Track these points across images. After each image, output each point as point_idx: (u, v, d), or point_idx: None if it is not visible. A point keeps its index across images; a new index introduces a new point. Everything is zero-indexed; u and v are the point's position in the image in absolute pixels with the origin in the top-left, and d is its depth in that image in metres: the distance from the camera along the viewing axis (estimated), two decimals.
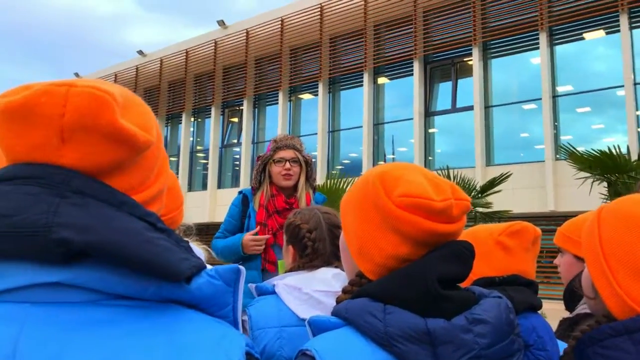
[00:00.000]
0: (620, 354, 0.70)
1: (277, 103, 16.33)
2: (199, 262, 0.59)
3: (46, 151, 0.56)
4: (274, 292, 1.52)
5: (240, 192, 2.68)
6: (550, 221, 11.94)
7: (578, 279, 1.67)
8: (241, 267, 0.62)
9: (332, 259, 1.55)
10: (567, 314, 1.76)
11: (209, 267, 0.62)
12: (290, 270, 1.58)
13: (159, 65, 19.70)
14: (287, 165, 2.56)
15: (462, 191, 0.94)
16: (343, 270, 1.01)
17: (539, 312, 1.40)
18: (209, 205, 16.77)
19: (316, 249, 1.57)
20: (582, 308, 1.57)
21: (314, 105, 15.62)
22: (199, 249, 1.50)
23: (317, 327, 0.87)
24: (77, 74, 24.03)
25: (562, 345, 1.36)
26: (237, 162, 17.54)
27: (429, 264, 0.85)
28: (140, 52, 21.11)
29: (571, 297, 1.72)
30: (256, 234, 2.47)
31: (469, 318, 0.83)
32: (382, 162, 14.58)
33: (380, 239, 0.88)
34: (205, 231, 13.34)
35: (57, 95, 0.55)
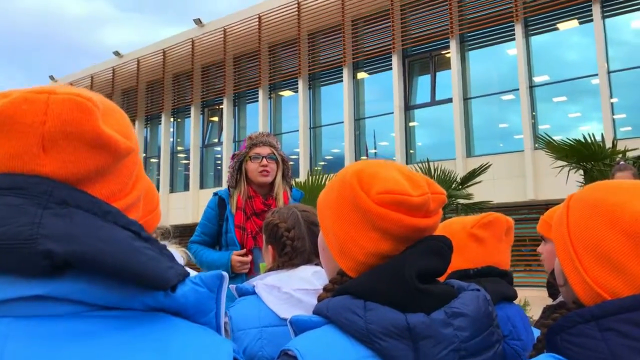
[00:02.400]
0: (587, 341, 0.70)
1: (257, 101, 16.26)
2: (183, 270, 0.59)
3: (25, 160, 0.55)
4: (254, 293, 1.51)
5: (215, 194, 2.63)
6: (531, 209, 12.14)
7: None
8: (224, 273, 0.62)
9: (312, 256, 1.54)
10: (550, 302, 1.79)
11: (192, 272, 0.62)
12: (270, 269, 1.57)
13: (136, 65, 19.44)
14: (264, 161, 2.52)
15: (437, 185, 0.95)
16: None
17: (520, 301, 1.42)
18: (192, 206, 16.65)
19: (295, 248, 1.56)
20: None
21: (295, 102, 15.58)
22: (177, 253, 1.48)
23: (299, 326, 0.87)
24: (52, 77, 23.58)
25: (537, 334, 1.38)
26: (219, 162, 17.43)
27: (408, 260, 0.86)
28: (117, 53, 20.80)
29: (554, 284, 1.74)
30: (241, 254, 2.46)
31: (448, 312, 0.84)
32: (364, 157, 14.63)
33: (361, 236, 0.89)
34: (189, 232, 13.25)
35: (37, 102, 0.54)
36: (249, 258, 2.44)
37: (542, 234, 1.87)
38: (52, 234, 0.51)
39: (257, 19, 15.99)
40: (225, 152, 16.72)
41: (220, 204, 2.57)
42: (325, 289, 0.94)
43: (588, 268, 0.79)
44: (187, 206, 16.69)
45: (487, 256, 1.38)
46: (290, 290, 1.45)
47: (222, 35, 16.83)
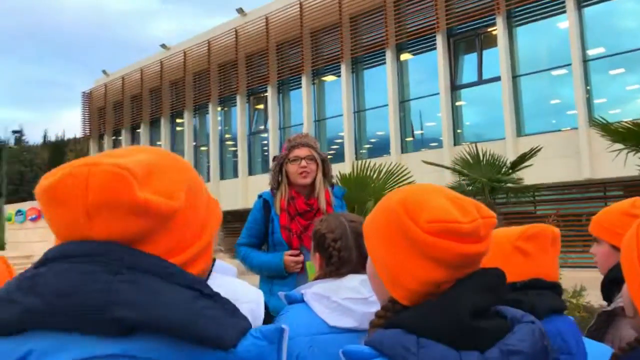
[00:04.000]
0: None
1: (301, 87, 16.32)
2: (245, 325, 0.63)
3: (78, 228, 0.61)
4: (303, 301, 1.53)
5: (260, 196, 2.69)
6: (588, 188, 11.68)
7: (617, 270, 1.68)
8: (285, 327, 0.65)
9: (358, 267, 1.53)
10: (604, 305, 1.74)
11: (255, 318, 0.66)
12: (318, 277, 1.59)
13: (182, 57, 19.89)
14: (303, 163, 2.57)
15: (486, 208, 0.93)
16: None
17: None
18: (241, 192, 17.03)
19: (342, 258, 1.56)
20: (620, 301, 1.53)
21: (338, 86, 15.54)
22: (230, 266, 1.55)
23: (351, 357, 0.87)
24: (104, 72, 24.50)
25: (591, 346, 1.36)
26: (266, 148, 17.68)
27: (462, 296, 0.85)
28: (164, 46, 21.33)
29: (609, 288, 1.69)
30: (294, 254, 2.52)
31: (504, 350, 0.82)
32: (410, 139, 14.48)
33: (412, 265, 0.87)
34: (239, 217, 13.59)
35: (79, 176, 0.60)
36: (302, 257, 2.50)
37: (595, 234, 1.81)
38: (120, 300, 0.57)
39: (298, 5, 15.96)
40: (272, 138, 16.94)
41: (265, 205, 2.63)
42: (377, 315, 0.94)
43: None
44: (237, 192, 17.08)
45: (533, 268, 1.36)
46: (339, 300, 1.47)
47: (264, 23, 16.93)
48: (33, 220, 20.67)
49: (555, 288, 1.39)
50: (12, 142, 38.29)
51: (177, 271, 0.62)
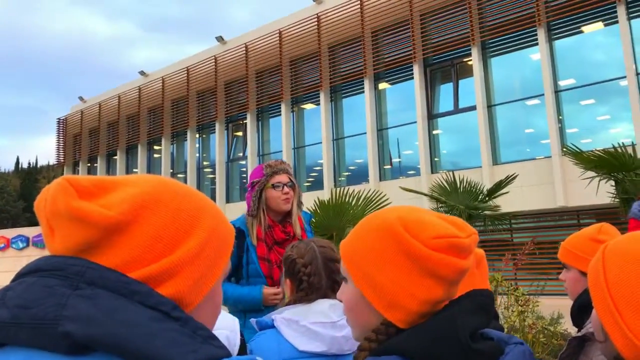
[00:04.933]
0: None
1: (280, 115, 16.39)
2: (216, 353, 0.59)
3: (49, 242, 0.63)
4: (273, 326, 1.55)
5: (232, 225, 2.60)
6: (562, 216, 11.87)
7: (586, 295, 1.67)
8: (258, 358, 0.62)
9: (328, 292, 1.57)
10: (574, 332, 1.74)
11: (234, 347, 0.61)
12: (288, 303, 1.61)
13: (161, 84, 19.86)
14: (285, 189, 2.56)
15: (469, 225, 0.94)
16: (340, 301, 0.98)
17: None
18: None
19: (311, 283, 1.58)
20: (589, 327, 1.54)
21: (317, 114, 15.66)
22: (230, 316, 1.51)
23: None
24: (81, 98, 24.26)
25: None
26: (244, 175, 17.60)
27: (459, 319, 0.84)
28: (142, 73, 21.29)
29: (579, 314, 1.71)
30: (273, 289, 2.45)
31: None
32: (388, 167, 14.59)
33: (413, 285, 0.85)
34: None
35: (45, 190, 0.63)
36: (281, 289, 2.41)
37: (564, 261, 1.83)
38: (73, 315, 0.55)
39: (277, 34, 16.17)
40: (250, 165, 16.87)
41: (239, 234, 2.52)
42: (368, 339, 0.89)
43: (630, 323, 0.77)
44: None
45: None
46: (307, 324, 1.49)
47: (244, 52, 17.07)
48: (1, 249, 19.99)
49: None
50: None
51: (141, 290, 0.60)
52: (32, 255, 18.93)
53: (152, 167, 20.86)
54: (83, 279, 0.58)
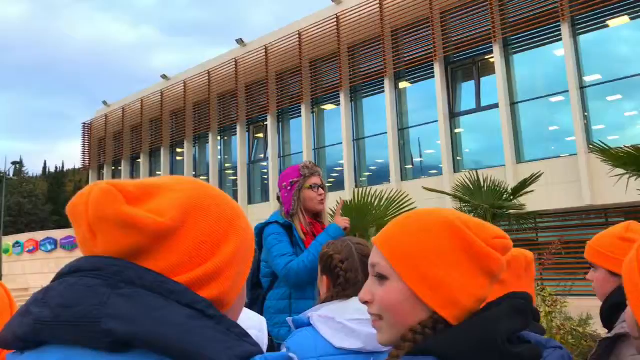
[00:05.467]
0: None
1: (300, 116, 16.44)
2: (250, 350, 0.61)
3: (87, 244, 0.65)
4: (310, 324, 1.56)
5: (276, 222, 2.66)
6: (589, 214, 11.63)
7: (616, 295, 1.63)
8: (292, 355, 0.63)
9: None
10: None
11: (262, 346, 0.62)
12: (324, 300, 1.62)
13: (182, 87, 20.11)
14: (320, 190, 2.71)
15: None
16: None
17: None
18: None
19: (348, 279, 1.60)
20: (620, 327, 1.52)
21: (337, 115, 15.66)
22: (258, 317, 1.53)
23: None
24: (105, 103, 24.72)
25: None
26: (265, 177, 17.70)
27: (499, 322, 0.84)
28: (164, 77, 21.59)
29: (609, 314, 1.67)
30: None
31: None
32: (409, 166, 14.50)
33: (472, 284, 0.87)
34: None
35: (83, 195, 0.64)
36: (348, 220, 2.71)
37: (591, 261, 1.79)
38: (114, 313, 0.58)
39: (297, 35, 16.22)
40: (271, 167, 16.97)
41: (287, 229, 2.65)
42: (404, 338, 0.88)
43: None
44: None
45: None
46: (344, 321, 1.49)
47: (264, 54, 17.17)
48: (30, 252, 20.47)
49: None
50: (11, 173, 38.32)
51: (178, 289, 0.62)
52: (60, 257, 19.34)
53: (175, 169, 21.14)
54: (122, 278, 0.60)
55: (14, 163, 36.60)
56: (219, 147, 19.60)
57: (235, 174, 18.57)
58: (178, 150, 21.18)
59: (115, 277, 0.60)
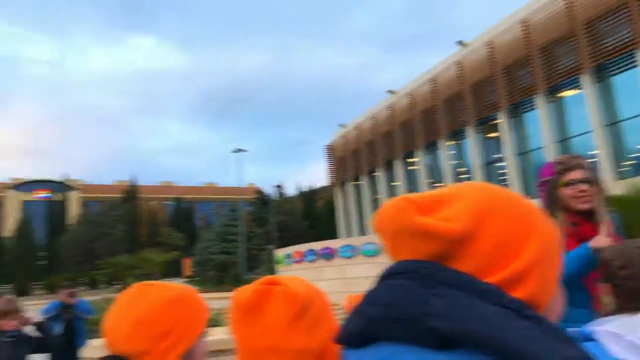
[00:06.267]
0: None
1: (536, 108, 15.20)
2: (571, 355, 0.59)
3: (395, 254, 0.71)
4: (592, 339, 1.42)
5: None
6: None
7: None
8: None
9: None
10: None
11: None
12: (608, 313, 1.50)
13: (409, 99, 20.64)
14: (582, 187, 2.35)
15: None
16: None
17: None
18: None
19: (630, 289, 1.45)
20: None
21: (580, 100, 13.98)
22: None
23: None
24: (341, 125, 26.98)
25: None
26: (504, 177, 16.82)
27: None
28: (390, 91, 22.51)
29: None
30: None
31: None
32: None
33: None
34: None
35: (382, 212, 0.72)
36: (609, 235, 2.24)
37: None
38: (434, 312, 0.62)
39: (520, 24, 15.12)
40: (510, 167, 16.07)
41: None
42: None
43: None
44: None
45: None
46: (634, 339, 1.33)
47: (488, 50, 16.47)
48: (297, 262, 23.54)
49: None
50: (275, 195, 44.80)
51: (491, 289, 0.64)
52: (321, 266, 21.66)
53: (410, 179, 21.72)
54: (436, 280, 0.65)
55: (275, 187, 42.72)
56: (450, 153, 19.43)
57: (470, 178, 18.13)
58: (410, 160, 21.73)
59: (429, 278, 0.65)
